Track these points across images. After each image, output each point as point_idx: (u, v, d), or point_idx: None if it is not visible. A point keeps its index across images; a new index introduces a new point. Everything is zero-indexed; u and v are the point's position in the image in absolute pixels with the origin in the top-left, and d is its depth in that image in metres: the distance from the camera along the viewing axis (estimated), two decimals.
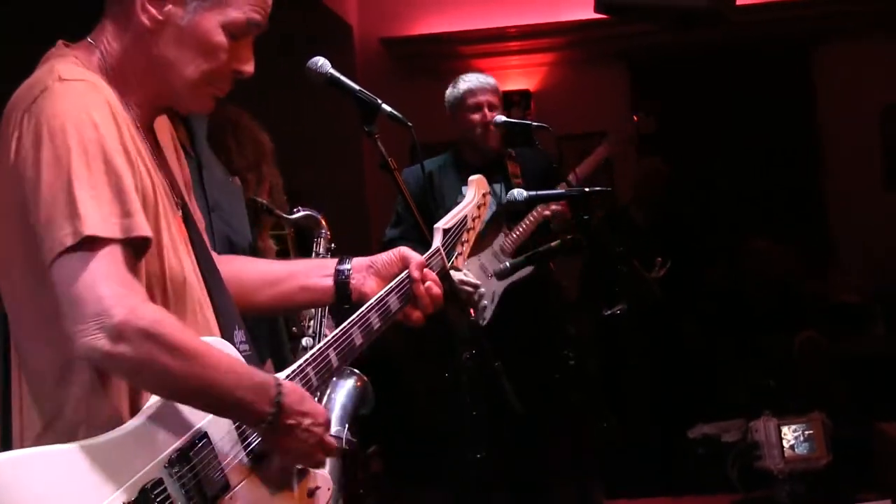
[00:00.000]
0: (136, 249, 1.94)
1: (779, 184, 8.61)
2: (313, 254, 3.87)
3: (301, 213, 3.86)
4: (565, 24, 8.66)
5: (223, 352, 2.03)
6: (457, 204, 2.88)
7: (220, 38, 2.11)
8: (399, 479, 4.87)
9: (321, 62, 2.84)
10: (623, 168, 8.02)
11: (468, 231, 2.77)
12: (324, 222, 3.90)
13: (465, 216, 2.77)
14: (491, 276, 5.14)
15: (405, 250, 2.58)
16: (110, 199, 1.89)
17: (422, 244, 2.79)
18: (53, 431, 1.96)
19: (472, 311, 4.99)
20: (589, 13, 6.54)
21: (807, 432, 5.72)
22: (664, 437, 6.44)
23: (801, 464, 5.68)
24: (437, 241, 2.66)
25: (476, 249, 5.21)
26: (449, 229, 2.69)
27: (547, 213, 5.23)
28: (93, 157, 1.89)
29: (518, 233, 5.27)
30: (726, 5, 6.04)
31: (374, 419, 4.05)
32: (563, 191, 4.98)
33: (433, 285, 2.53)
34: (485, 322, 5.11)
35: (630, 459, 6.21)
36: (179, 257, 2.11)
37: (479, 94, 5.38)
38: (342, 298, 2.52)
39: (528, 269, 5.09)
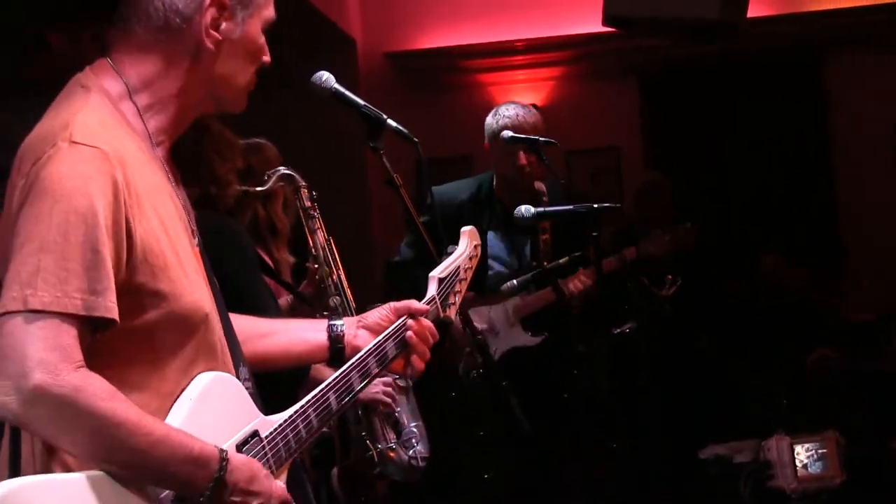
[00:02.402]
0: (95, 325, 1.91)
1: (791, 198, 8.55)
2: (299, 210, 3.83)
3: (274, 178, 3.79)
4: (573, 37, 8.57)
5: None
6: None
7: (262, 39, 2.21)
8: (405, 500, 4.79)
9: (325, 77, 2.83)
10: (632, 183, 7.94)
11: (461, 282, 2.75)
12: (296, 175, 3.84)
13: (458, 267, 2.75)
14: (497, 333, 5.11)
15: (396, 304, 2.58)
16: (79, 273, 1.87)
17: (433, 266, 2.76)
18: (58, 457, 1.92)
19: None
20: (597, 26, 6.46)
21: (820, 451, 5.67)
22: (675, 457, 6.35)
23: (814, 483, 5.63)
24: (433, 290, 2.64)
25: (489, 301, 5.13)
26: (444, 279, 2.68)
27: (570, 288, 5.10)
28: (74, 227, 1.87)
29: (532, 301, 5.14)
30: (737, 17, 5.96)
31: None
32: (570, 206, 4.89)
33: (427, 333, 2.55)
34: (476, 376, 4.98)
35: (641, 480, 6.12)
36: (200, 292, 2.10)
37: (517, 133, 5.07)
38: (336, 352, 2.53)
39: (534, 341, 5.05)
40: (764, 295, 7.53)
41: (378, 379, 3.69)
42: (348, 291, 3.76)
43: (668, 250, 5.51)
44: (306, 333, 2.56)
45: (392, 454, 3.88)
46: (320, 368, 3.48)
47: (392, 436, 3.88)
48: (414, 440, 3.93)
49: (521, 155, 5.09)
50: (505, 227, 5.23)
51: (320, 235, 3.83)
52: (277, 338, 2.52)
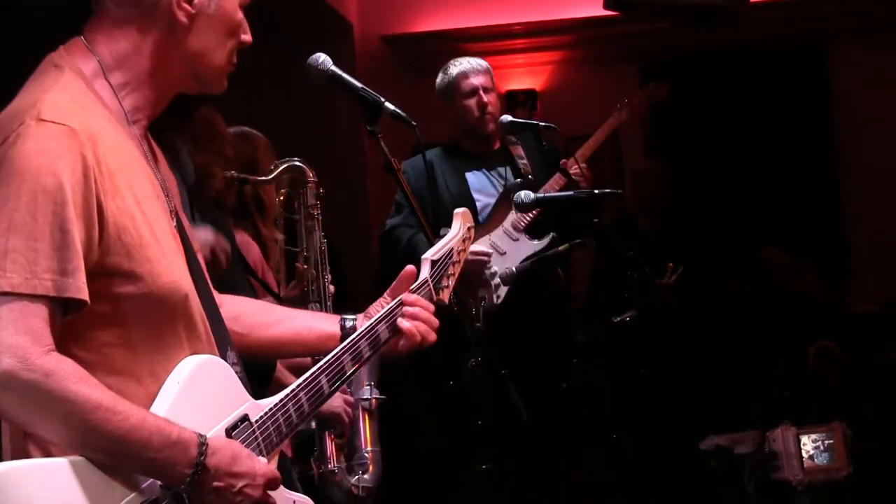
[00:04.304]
0: (66, 306, 1.88)
1: (794, 189, 8.50)
2: (301, 207, 3.76)
3: (280, 168, 3.71)
4: (573, 21, 8.50)
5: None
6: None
7: (240, 15, 2.19)
8: (399, 492, 4.75)
9: (322, 58, 2.80)
10: (634, 168, 7.87)
11: (454, 265, 2.72)
12: (308, 169, 3.76)
13: (452, 249, 2.71)
14: (503, 253, 5.07)
15: (389, 289, 2.57)
16: (49, 254, 1.84)
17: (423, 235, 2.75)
18: (36, 442, 1.90)
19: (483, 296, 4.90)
20: (598, 10, 6.42)
21: (827, 442, 5.61)
22: (676, 448, 6.30)
23: (820, 474, 5.58)
24: (426, 272, 2.61)
25: (486, 229, 5.11)
26: (437, 261, 2.65)
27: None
28: (42, 206, 1.85)
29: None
30: (740, 4, 5.90)
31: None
32: (571, 192, 4.87)
33: (421, 310, 2.50)
34: (499, 300, 4.99)
35: (641, 470, 6.07)
36: (179, 272, 2.07)
37: (472, 76, 5.25)
38: None
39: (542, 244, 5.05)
40: (765, 286, 7.48)
41: (342, 397, 3.62)
42: (329, 301, 3.68)
43: (643, 108, 5.71)
44: (319, 323, 2.55)
45: (336, 478, 3.78)
46: (285, 372, 3.41)
47: (341, 458, 3.78)
48: (362, 467, 3.81)
49: (481, 95, 5.20)
50: (479, 167, 5.32)
51: (316, 236, 3.75)
52: (290, 324, 2.52)
